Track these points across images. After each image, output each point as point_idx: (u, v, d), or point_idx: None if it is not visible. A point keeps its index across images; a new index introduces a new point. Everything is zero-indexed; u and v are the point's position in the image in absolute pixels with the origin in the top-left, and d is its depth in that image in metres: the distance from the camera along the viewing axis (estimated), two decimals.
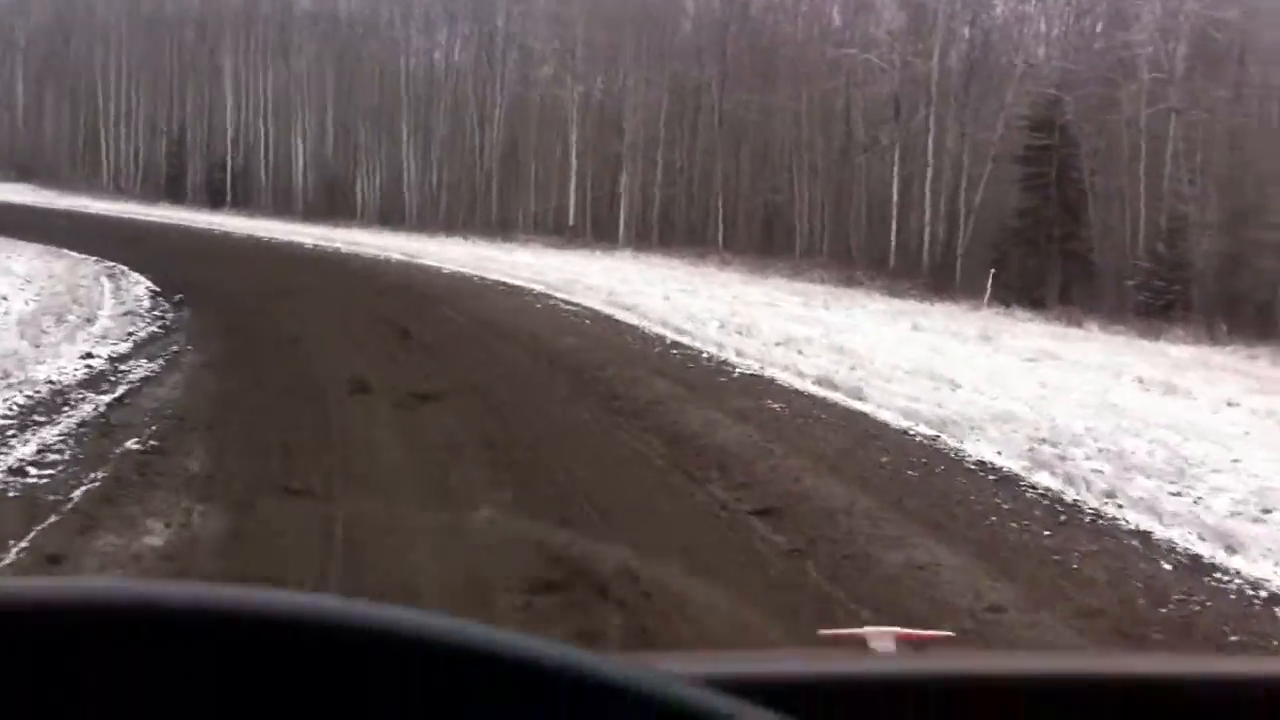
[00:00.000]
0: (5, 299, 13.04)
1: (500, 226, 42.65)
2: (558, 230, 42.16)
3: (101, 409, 7.59)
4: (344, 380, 9.08)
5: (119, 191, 50.11)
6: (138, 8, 54.85)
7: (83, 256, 20.32)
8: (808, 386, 10.39)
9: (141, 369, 9.37)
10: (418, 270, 22.36)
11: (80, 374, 8.85)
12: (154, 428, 7.15)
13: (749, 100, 38.00)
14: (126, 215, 36.26)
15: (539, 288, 20.40)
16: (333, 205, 45.90)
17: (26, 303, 13.12)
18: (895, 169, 33.28)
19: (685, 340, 13.67)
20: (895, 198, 33.25)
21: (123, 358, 9.86)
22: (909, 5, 35.66)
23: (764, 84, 38.88)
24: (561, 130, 43.65)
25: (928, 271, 31.39)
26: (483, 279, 21.49)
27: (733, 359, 12.05)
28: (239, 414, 7.90)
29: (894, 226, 33.28)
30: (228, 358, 10.46)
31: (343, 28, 52.96)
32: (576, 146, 41.79)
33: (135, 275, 17.34)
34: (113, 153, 53.10)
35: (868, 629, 1.27)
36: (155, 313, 13.29)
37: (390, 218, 44.77)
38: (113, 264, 18.99)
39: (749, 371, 11.15)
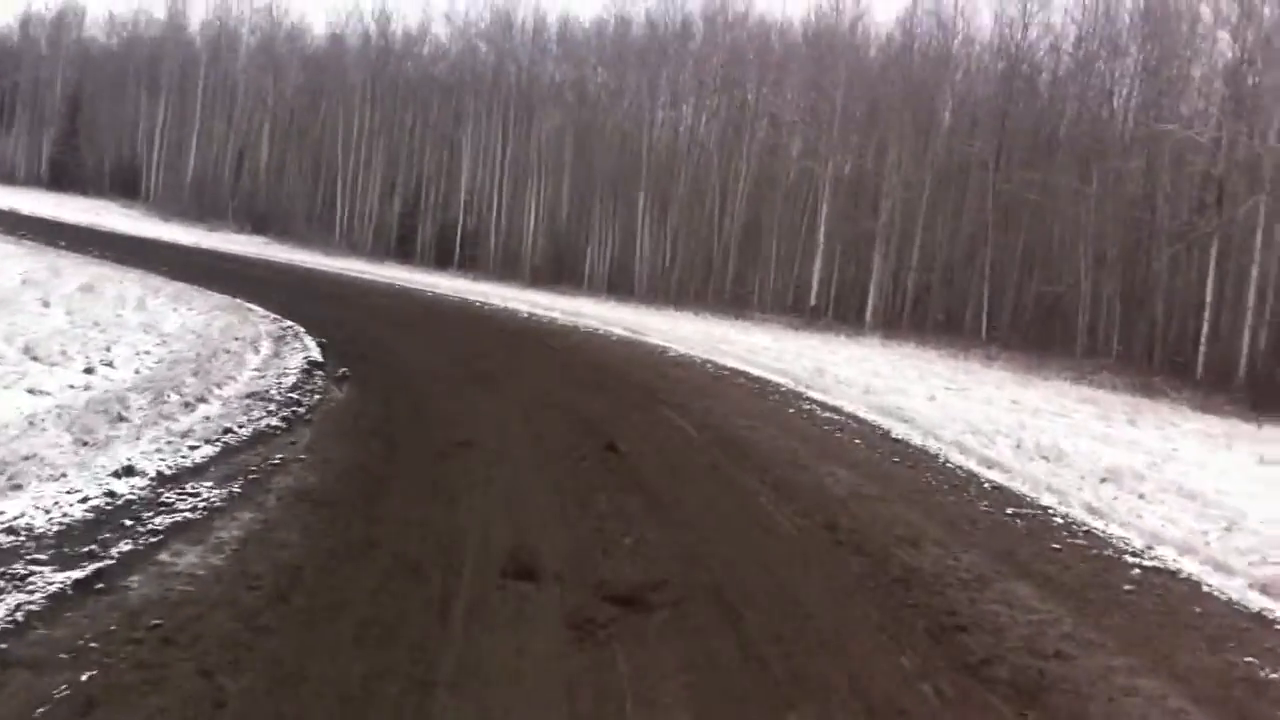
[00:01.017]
0: (110, 365, 10.06)
1: (734, 303, 39.15)
2: (795, 309, 38.41)
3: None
4: (501, 547, 5.47)
5: (350, 249, 49.11)
6: (384, 74, 54.46)
7: (264, 314, 17.68)
8: (1257, 600, 6.18)
9: (192, 503, 5.94)
10: (642, 352, 18.88)
11: (73, 515, 5.47)
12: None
13: (1029, 179, 33.40)
14: (346, 272, 34.35)
15: (784, 381, 16.61)
16: (560, 272, 43.45)
17: (138, 370, 10.12)
18: (1212, 264, 28.00)
19: (1002, 480, 9.60)
20: (1208, 297, 27.96)
21: (182, 475, 6.49)
22: (1232, 78, 30.39)
23: (1047, 162, 34.24)
24: (810, 205, 40.02)
25: (1246, 384, 25.99)
26: (717, 366, 17.82)
27: (1097, 526, 7.92)
28: (272, 639, 4.26)
29: (1203, 330, 27.96)
30: (346, 481, 6.99)
31: (589, 97, 51.15)
32: (825, 224, 37.97)
33: (307, 340, 14.42)
34: (347, 211, 52.41)
35: None
36: (296, 394, 10.10)
37: (619, 288, 41.97)
38: (290, 324, 16.22)
39: (1146, 560, 6.99)
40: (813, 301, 37.45)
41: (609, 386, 13.41)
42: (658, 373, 15.96)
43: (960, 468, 10.20)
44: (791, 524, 6.99)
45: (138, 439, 7.29)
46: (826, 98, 39.39)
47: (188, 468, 6.69)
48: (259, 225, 52.78)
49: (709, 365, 18.07)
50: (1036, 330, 33.12)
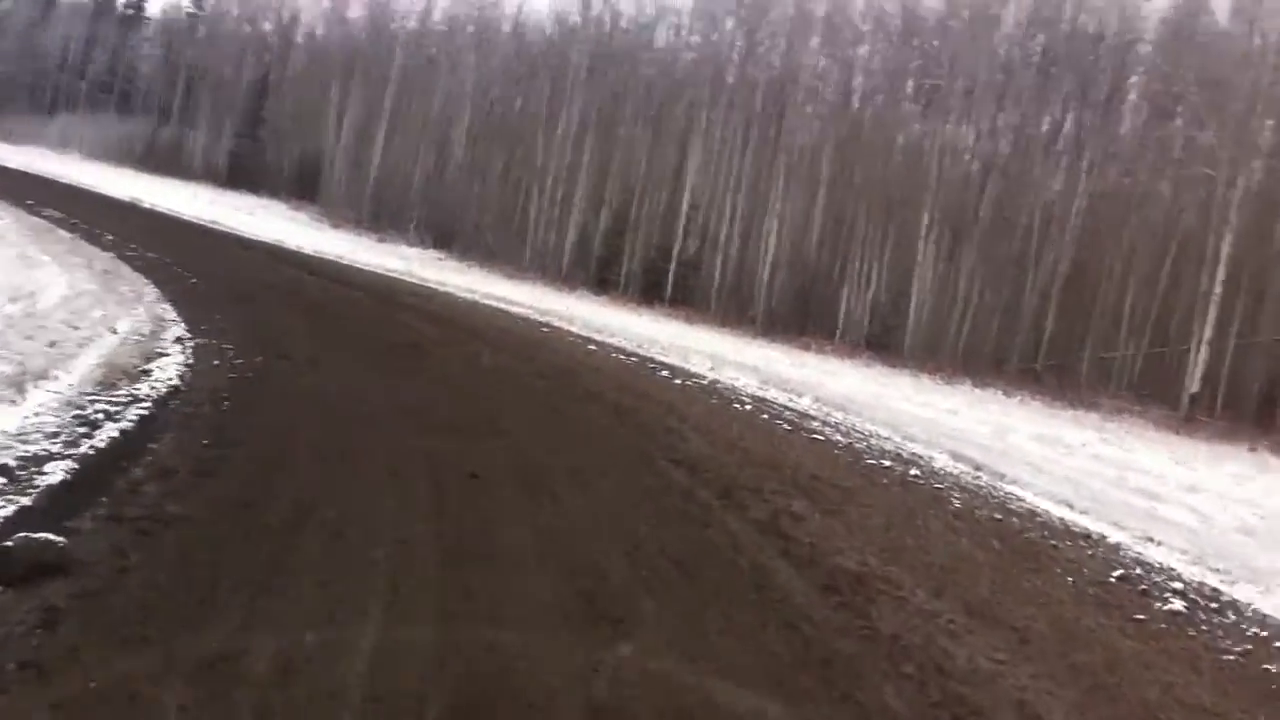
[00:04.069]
0: None
1: (1057, 374, 26.89)
2: (1157, 397, 25.74)
3: None
4: None
5: (540, 272, 38.94)
6: (603, 62, 44.08)
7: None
8: None
9: None
10: (997, 550, 7.36)
11: None
12: None
13: None
14: (505, 307, 23.57)
15: None
16: (804, 318, 31.93)
17: None
18: None
19: None
20: None
21: None
22: None
23: None
24: (1192, 239, 27.21)
25: None
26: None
27: None
28: None
29: None
30: None
31: (858, 91, 39.90)
32: (1226, 264, 24.92)
33: None
34: (543, 226, 42.04)
35: None
36: None
37: (885, 344, 30.15)
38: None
39: None
40: (1193, 388, 24.48)
41: None
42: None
43: None
44: None
45: None
46: (1222, 81, 26.34)
47: None
48: (442, 238, 43.36)
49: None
50: None
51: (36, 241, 21.44)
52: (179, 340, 11.66)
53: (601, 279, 36.12)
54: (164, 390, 9.06)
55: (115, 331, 11.70)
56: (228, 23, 62.56)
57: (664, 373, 14.98)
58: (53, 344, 10.12)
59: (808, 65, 40.74)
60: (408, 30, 52.95)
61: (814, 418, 12.58)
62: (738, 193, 38.00)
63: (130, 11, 71.36)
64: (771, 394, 14.30)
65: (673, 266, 35.59)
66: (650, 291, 34.44)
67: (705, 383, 14.42)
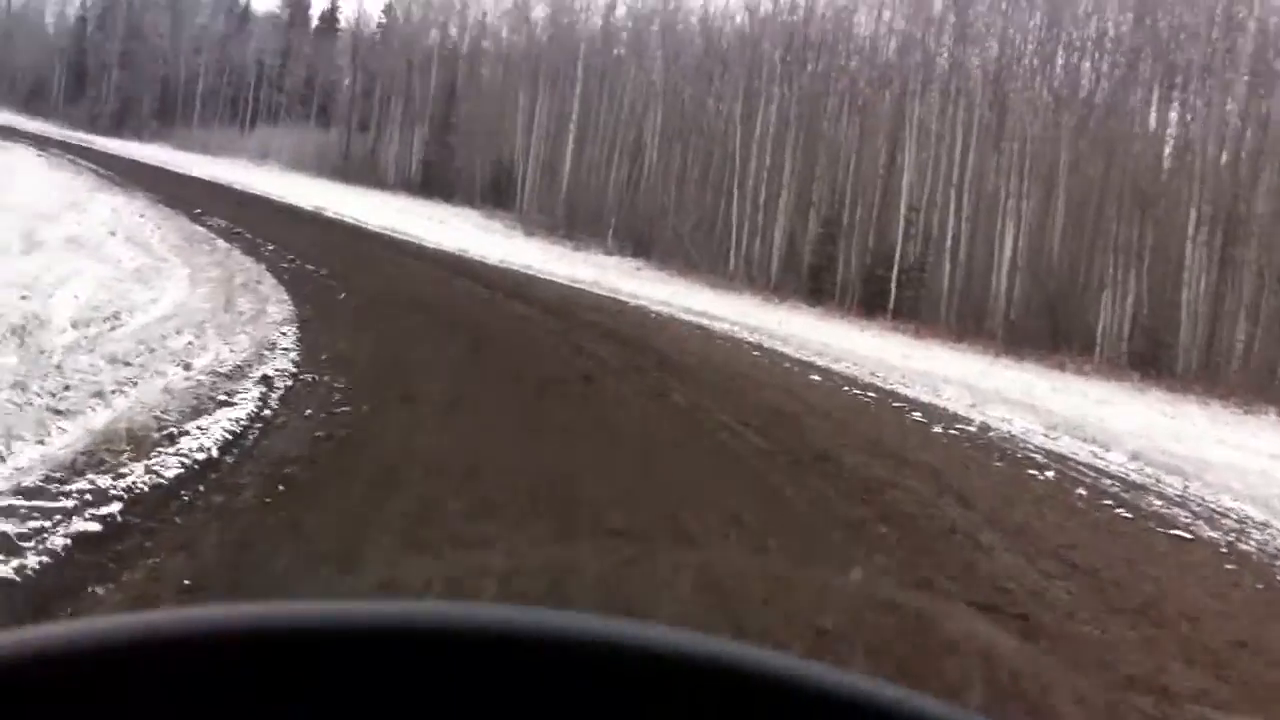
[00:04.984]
0: None
1: None
2: None
3: None
4: None
5: (748, 282, 35.50)
6: (800, 54, 40.42)
7: None
8: None
9: None
10: None
11: None
12: None
13: None
14: (712, 325, 20.22)
15: None
16: (1053, 332, 27.38)
17: None
18: None
19: None
20: None
21: None
22: None
23: None
24: None
25: None
26: None
27: None
28: None
29: None
30: None
31: (1081, 83, 35.21)
32: None
33: None
34: (746, 231, 38.43)
35: None
36: None
37: (1151, 362, 25.51)
38: None
39: None
40: None
41: None
42: None
43: None
44: None
45: None
46: None
47: None
48: (640, 246, 40.38)
49: None
50: None
51: (183, 252, 19.37)
52: (265, 380, 8.66)
53: (815, 289, 32.42)
54: (182, 471, 5.92)
55: (188, 367, 8.80)
56: (416, 29, 61.38)
57: (915, 415, 11.29)
58: (65, 389, 7.18)
59: (1029, 47, 36.15)
60: (591, 29, 50.51)
61: (1146, 489, 8.79)
62: (961, 191, 33.70)
63: (323, 24, 71.30)
64: (1066, 445, 10.51)
65: (895, 274, 31.54)
66: (871, 303, 30.50)
67: (973, 430, 10.69)
